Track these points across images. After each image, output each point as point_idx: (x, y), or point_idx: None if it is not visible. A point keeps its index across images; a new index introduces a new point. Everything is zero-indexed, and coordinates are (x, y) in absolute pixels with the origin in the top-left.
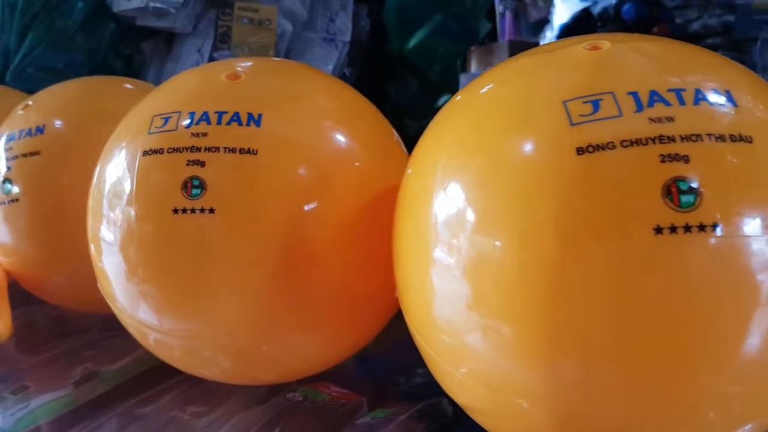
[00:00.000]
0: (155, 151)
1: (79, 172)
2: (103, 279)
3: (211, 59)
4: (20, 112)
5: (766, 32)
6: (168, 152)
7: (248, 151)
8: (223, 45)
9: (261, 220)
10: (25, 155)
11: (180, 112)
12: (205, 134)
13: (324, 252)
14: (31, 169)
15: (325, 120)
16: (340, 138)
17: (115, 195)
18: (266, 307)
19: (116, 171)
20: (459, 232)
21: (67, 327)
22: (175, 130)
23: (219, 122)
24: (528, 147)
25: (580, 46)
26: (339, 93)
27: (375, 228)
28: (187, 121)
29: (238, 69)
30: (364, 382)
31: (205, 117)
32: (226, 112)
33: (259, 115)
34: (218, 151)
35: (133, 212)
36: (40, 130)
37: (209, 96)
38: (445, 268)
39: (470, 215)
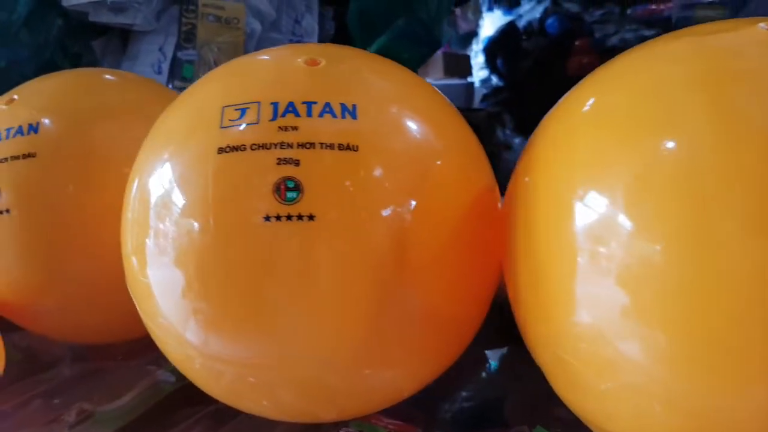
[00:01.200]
0: (234, 148)
1: (80, 176)
2: (145, 295)
3: (175, 59)
4: (2, 107)
5: None
6: (252, 149)
7: (348, 147)
8: (188, 44)
9: (365, 229)
10: (16, 157)
11: (259, 102)
12: (295, 128)
13: (428, 265)
14: (24, 174)
15: (417, 112)
16: (435, 132)
17: (173, 202)
18: (358, 331)
19: (173, 174)
20: (612, 238)
21: (37, 359)
22: (258, 122)
23: (309, 114)
24: (724, 137)
25: (755, 26)
26: (417, 82)
27: (474, 238)
28: (271, 113)
29: (314, 54)
30: (408, 410)
31: (291, 108)
32: (316, 103)
33: (354, 106)
34: (314, 147)
35: (206, 220)
36: (33, 128)
37: (291, 84)
38: (599, 275)
39: (627, 220)
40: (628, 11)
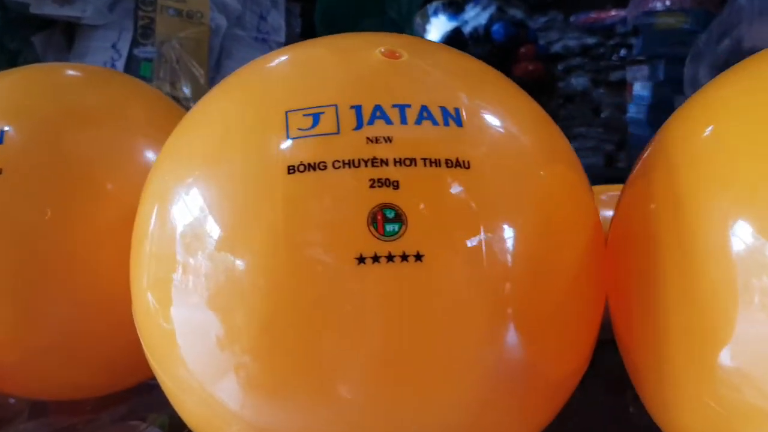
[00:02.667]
0: (311, 167)
1: (60, 197)
2: (162, 340)
3: (131, 57)
4: None
5: (671, 49)
6: (335, 167)
7: (457, 164)
8: (145, 40)
9: (483, 271)
10: None
11: (336, 105)
12: (388, 139)
13: (550, 312)
14: None
15: (522, 118)
16: (544, 144)
17: (216, 236)
18: (467, 401)
19: (219, 200)
20: None
21: None
22: (338, 132)
23: (404, 120)
24: None
25: None
26: (507, 81)
27: (591, 275)
28: (354, 119)
29: (389, 44)
30: None
31: (380, 113)
32: (410, 106)
33: (456, 110)
34: (414, 165)
35: (275, 260)
36: None
37: (373, 81)
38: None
39: None
40: (571, 19)
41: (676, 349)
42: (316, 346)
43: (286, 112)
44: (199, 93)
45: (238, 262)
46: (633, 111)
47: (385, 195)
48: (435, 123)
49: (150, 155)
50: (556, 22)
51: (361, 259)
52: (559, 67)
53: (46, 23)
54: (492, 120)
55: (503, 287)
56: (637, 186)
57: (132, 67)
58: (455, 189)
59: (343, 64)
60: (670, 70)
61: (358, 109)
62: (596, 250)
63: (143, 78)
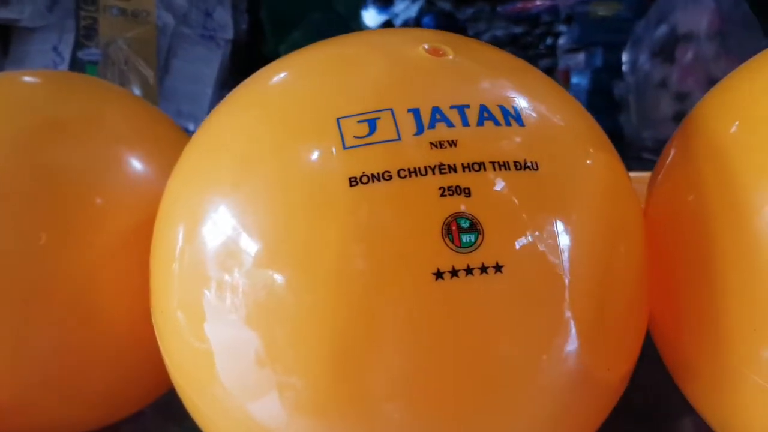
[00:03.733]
0: (375, 177)
1: (53, 218)
2: (199, 363)
3: (75, 60)
4: None
5: (607, 36)
6: (401, 177)
7: (526, 166)
8: (89, 41)
9: (562, 278)
10: None
11: (391, 109)
12: (453, 143)
13: (620, 314)
14: None
15: (570, 109)
16: (595, 140)
17: (267, 254)
18: (539, 417)
19: (268, 217)
20: None
21: None
22: (399, 139)
23: (465, 122)
24: None
25: None
26: (538, 71)
27: (643, 274)
28: (413, 123)
29: (430, 40)
30: None
31: (440, 115)
32: (468, 106)
33: (515, 108)
34: (483, 169)
35: (342, 277)
36: None
37: (425, 81)
38: None
39: None
40: (498, 9)
41: (737, 342)
42: (384, 367)
43: (338, 119)
44: (149, 94)
45: (296, 281)
46: None
47: (457, 203)
48: (497, 123)
49: (135, 164)
50: (483, 13)
51: (438, 274)
52: None
53: None
54: (548, 116)
55: (578, 292)
56: (670, 180)
57: (76, 70)
58: (526, 192)
59: (386, 63)
60: (607, 57)
61: (416, 112)
62: (644, 245)
63: None
